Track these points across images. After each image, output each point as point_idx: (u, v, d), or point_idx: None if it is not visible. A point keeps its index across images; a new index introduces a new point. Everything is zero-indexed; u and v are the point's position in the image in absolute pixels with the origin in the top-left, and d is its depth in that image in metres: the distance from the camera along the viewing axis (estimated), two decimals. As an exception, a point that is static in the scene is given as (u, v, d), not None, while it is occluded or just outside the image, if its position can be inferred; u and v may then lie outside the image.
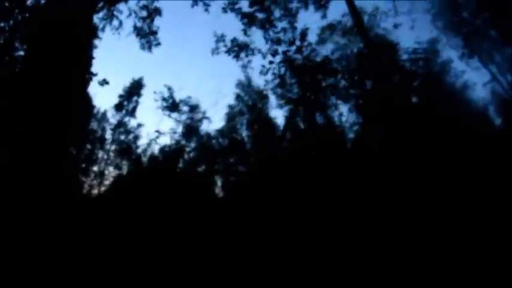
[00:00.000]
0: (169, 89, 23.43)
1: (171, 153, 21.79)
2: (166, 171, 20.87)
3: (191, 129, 24.60)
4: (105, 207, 18.69)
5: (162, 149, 22.14)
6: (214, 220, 20.45)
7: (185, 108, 24.49)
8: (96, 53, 20.36)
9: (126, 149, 22.59)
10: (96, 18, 20.15)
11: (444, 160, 15.03)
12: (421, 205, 13.03)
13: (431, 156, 14.88)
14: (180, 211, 19.97)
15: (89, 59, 21.25)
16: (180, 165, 22.60)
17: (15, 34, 17.71)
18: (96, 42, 21.02)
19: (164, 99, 23.14)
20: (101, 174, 22.03)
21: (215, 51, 18.57)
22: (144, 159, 22.92)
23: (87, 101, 20.30)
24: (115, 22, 18.25)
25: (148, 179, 20.13)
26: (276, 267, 11.85)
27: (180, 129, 24.18)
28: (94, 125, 21.56)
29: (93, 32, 20.90)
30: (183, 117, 24.38)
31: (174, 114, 24.20)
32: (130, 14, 18.17)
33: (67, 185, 18.64)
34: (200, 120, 25.40)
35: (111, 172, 22.57)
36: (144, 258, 15.10)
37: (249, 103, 26.14)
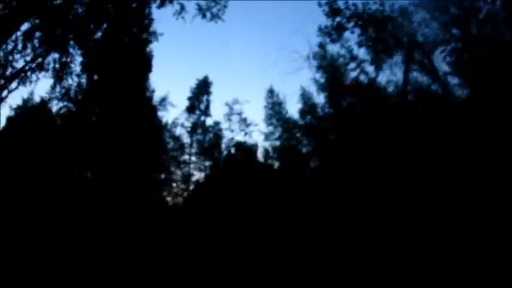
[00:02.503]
0: None
1: (247, 149, 20.38)
2: (243, 168, 19.55)
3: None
4: (184, 213, 18.46)
5: (239, 145, 20.88)
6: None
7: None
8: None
9: (206, 150, 22.06)
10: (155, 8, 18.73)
11: None
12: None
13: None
14: (260, 208, 18.51)
15: (147, 75, 21.11)
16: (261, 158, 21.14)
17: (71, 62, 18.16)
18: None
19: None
20: (186, 179, 22.05)
21: None
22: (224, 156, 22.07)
23: (152, 114, 20.23)
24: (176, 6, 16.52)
25: (226, 180, 19.14)
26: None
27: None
28: (166, 136, 21.51)
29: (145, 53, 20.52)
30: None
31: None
32: None
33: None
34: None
35: (195, 175, 22.46)
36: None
37: (329, 74, 22.79)
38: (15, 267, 12.09)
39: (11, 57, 15.30)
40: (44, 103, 16.20)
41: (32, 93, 16.82)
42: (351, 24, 18.98)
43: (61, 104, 17.06)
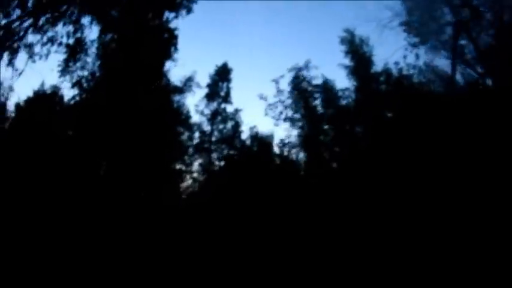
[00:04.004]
0: None
1: (263, 140, 19.39)
2: (259, 160, 18.64)
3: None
4: (194, 205, 18.03)
5: (255, 136, 19.93)
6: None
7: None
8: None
9: (226, 139, 21.37)
10: None
11: None
12: None
13: None
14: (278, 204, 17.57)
15: (169, 56, 20.26)
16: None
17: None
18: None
19: None
20: (206, 168, 21.58)
21: None
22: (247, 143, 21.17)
23: (170, 101, 19.71)
24: None
25: (241, 173, 18.36)
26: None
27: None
28: (186, 123, 20.97)
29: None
30: None
31: None
32: None
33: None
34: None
35: (216, 165, 21.86)
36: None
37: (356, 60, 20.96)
38: (30, 256, 12.29)
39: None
40: (55, 92, 16.21)
41: (42, 84, 16.69)
42: None
43: (74, 92, 16.93)
